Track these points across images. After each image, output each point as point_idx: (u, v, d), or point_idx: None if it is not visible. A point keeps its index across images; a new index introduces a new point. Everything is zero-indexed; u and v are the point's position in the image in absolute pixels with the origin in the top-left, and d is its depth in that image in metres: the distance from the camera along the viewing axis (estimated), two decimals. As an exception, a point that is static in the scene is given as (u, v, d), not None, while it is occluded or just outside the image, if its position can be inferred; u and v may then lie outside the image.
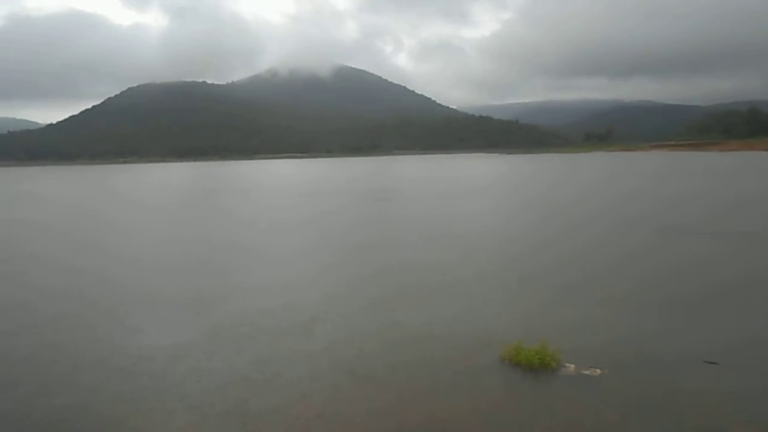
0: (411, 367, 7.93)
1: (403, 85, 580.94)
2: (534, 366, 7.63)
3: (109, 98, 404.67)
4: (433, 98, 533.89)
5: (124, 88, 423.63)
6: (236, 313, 10.66)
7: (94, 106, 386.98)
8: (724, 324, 9.47)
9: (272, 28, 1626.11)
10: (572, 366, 7.62)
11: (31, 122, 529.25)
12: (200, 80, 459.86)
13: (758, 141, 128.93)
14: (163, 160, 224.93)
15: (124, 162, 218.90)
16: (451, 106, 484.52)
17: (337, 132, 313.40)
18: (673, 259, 14.85)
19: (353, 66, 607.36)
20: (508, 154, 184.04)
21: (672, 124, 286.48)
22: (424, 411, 6.60)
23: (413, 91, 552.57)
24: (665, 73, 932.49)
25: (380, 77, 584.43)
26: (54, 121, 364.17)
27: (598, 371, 7.44)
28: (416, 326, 9.67)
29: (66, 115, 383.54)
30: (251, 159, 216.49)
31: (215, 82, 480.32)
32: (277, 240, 20.49)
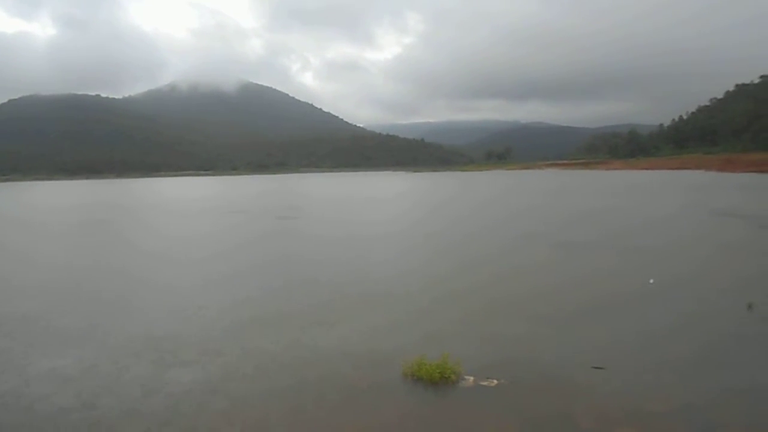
0: (313, 385, 7.76)
1: (310, 102, 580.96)
2: (435, 380, 7.69)
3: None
4: (340, 116, 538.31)
5: (5, 100, 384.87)
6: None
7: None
8: (610, 331, 10.09)
9: (173, 42, 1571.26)
10: (471, 378, 7.76)
11: None
12: (93, 93, 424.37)
13: (637, 161, 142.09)
14: (50, 178, 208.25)
15: (6, 180, 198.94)
16: (358, 125, 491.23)
17: (243, 149, 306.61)
18: (563, 271, 15.72)
19: (259, 83, 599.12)
20: (415, 171, 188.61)
21: (564, 144, 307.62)
22: (325, 430, 6.49)
23: (321, 109, 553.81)
24: (557, 98, 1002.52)
25: (287, 94, 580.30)
26: None
27: (495, 382, 7.64)
28: (318, 345, 9.50)
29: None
30: (151, 176, 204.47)
31: (110, 96, 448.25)
32: (166, 263, 19.46)
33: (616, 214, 32.41)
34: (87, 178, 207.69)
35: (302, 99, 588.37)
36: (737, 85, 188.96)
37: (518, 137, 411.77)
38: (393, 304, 12.34)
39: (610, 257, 17.65)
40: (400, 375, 7.97)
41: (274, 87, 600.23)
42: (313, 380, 7.95)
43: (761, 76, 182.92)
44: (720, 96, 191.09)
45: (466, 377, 7.79)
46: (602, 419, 6.54)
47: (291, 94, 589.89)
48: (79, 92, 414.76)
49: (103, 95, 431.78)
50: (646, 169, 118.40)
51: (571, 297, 12.64)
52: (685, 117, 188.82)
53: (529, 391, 7.40)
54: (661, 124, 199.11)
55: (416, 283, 14.42)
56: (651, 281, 13.61)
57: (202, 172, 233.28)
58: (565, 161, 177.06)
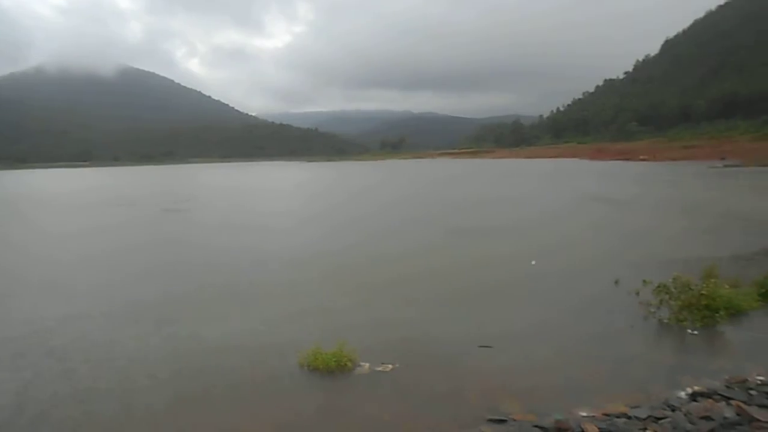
0: (209, 380, 7.53)
1: (198, 90, 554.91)
2: (331, 369, 7.74)
3: None
4: (231, 105, 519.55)
5: None
6: None
7: None
8: (496, 311, 10.70)
9: (39, 20, 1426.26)
10: (367, 365, 7.89)
11: None
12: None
13: (520, 149, 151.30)
14: None
15: None
16: (250, 113, 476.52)
17: (125, 138, 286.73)
18: (453, 255, 16.38)
19: (141, 68, 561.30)
20: (309, 161, 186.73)
21: (454, 133, 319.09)
22: (223, 424, 6.36)
23: (209, 97, 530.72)
24: (447, 89, 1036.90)
25: (172, 81, 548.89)
26: None
27: (390, 366, 7.83)
28: (212, 339, 9.20)
29: None
30: (15, 168, 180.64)
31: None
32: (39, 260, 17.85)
33: (501, 200, 34.27)
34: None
35: (189, 86, 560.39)
36: (605, 81, 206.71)
37: (411, 127, 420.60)
38: (286, 295, 12.21)
39: (496, 241, 18.66)
40: (296, 366, 7.93)
41: (158, 73, 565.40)
42: (205, 375, 7.69)
43: (625, 73, 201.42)
44: (591, 90, 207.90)
45: (362, 364, 7.90)
46: (490, 395, 6.93)
47: (177, 81, 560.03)
48: None
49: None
50: (529, 157, 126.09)
51: (460, 280, 13.23)
52: (561, 109, 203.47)
53: (422, 373, 7.67)
54: (541, 116, 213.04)
55: (310, 273, 14.36)
56: (533, 263, 14.57)
57: (78, 163, 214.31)
58: (455, 150, 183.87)
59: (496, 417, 6.27)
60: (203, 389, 7.33)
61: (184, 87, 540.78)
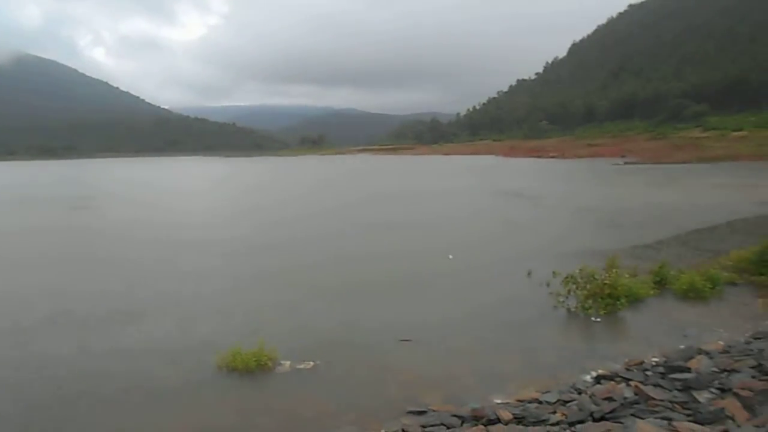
0: (125, 387, 7.20)
1: (105, 80, 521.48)
2: (251, 369, 7.60)
3: None
4: (141, 97, 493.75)
5: None
6: None
7: None
8: (415, 305, 10.93)
9: None
10: (288, 363, 7.83)
11: None
12: None
13: (439, 146, 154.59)
14: None
15: None
16: (163, 107, 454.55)
17: (21, 130, 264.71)
18: (370, 251, 16.51)
19: (39, 55, 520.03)
20: (227, 157, 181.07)
21: (374, 130, 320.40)
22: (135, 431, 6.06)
23: (118, 89, 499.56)
24: (367, 85, 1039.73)
25: (76, 70, 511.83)
26: None
27: (311, 363, 7.81)
28: (124, 343, 8.78)
29: None
30: None
31: None
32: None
33: (419, 195, 34.92)
34: None
35: (95, 76, 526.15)
36: (518, 81, 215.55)
37: (331, 123, 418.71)
38: (201, 296, 11.86)
39: (415, 235, 19.01)
40: (213, 368, 7.72)
41: (58, 61, 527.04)
42: (116, 380, 7.33)
43: (536, 74, 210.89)
44: (505, 89, 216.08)
45: (283, 362, 7.83)
46: (410, 387, 7.09)
47: (81, 71, 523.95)
48: None
49: None
50: (447, 154, 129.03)
51: (379, 275, 13.39)
52: (478, 108, 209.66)
53: (343, 368, 7.71)
54: (458, 114, 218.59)
55: (225, 273, 14.02)
56: (450, 257, 14.98)
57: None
58: (376, 147, 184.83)
59: (416, 409, 6.42)
60: (114, 394, 6.99)
61: (89, 77, 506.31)
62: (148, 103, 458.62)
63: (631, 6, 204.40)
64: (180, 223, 24.28)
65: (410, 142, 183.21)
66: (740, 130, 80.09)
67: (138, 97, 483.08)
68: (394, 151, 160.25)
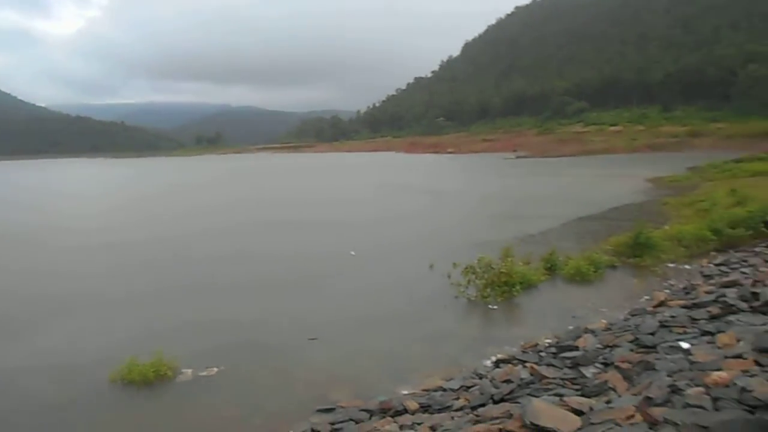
0: (7, 408, 6.60)
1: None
2: (150, 380, 7.23)
3: None
4: (13, 94, 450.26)
5: None
6: None
7: None
8: (321, 302, 10.89)
9: None
10: (190, 371, 7.54)
11: None
12: None
13: (340, 143, 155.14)
14: None
15: None
16: (39, 104, 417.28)
17: None
18: (269, 250, 16.21)
19: None
20: (115, 158, 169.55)
21: (274, 128, 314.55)
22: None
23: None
24: (265, 83, 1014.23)
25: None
26: None
27: (215, 370, 7.57)
28: (7, 362, 8.00)
29: None
30: None
31: None
32: None
33: (322, 192, 34.80)
34: None
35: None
36: (416, 78, 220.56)
37: (230, 121, 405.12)
38: (92, 305, 11.09)
39: (317, 233, 18.90)
40: (106, 382, 7.25)
41: None
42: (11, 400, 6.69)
43: (432, 72, 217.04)
44: (404, 87, 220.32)
45: (184, 371, 7.52)
46: (318, 386, 7.07)
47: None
48: None
49: None
50: (349, 151, 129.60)
51: (282, 274, 13.22)
52: (377, 105, 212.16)
53: (249, 371, 7.54)
54: (359, 111, 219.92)
55: (114, 280, 13.20)
56: (352, 253, 15.06)
57: None
58: (276, 145, 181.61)
59: (325, 407, 6.43)
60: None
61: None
62: (21, 101, 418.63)
63: (517, 8, 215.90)
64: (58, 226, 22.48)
65: (311, 140, 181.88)
66: (616, 125, 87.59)
67: (8, 94, 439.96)
68: (295, 149, 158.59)
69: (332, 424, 5.95)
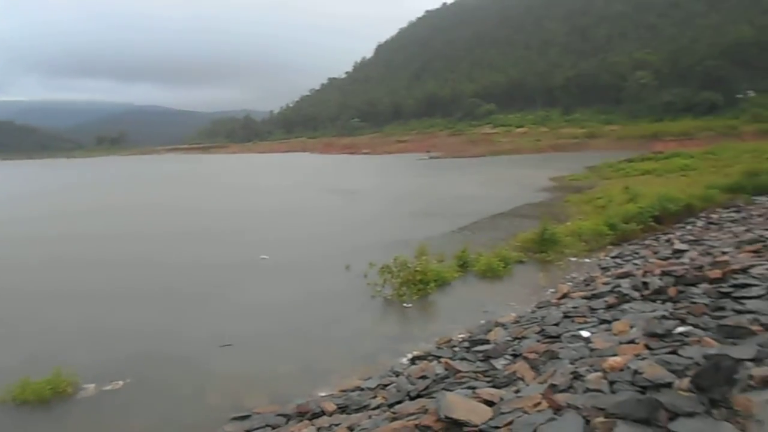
0: None
1: None
2: (46, 398, 6.73)
3: None
4: None
5: None
6: None
7: None
8: (233, 308, 10.59)
9: None
10: (92, 386, 7.09)
11: None
12: None
13: (253, 144, 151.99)
14: None
15: None
16: None
17: None
18: (175, 257, 15.57)
19: None
20: (4, 159, 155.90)
21: (182, 128, 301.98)
22: None
23: None
24: (171, 81, 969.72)
25: None
26: None
27: (121, 383, 7.16)
28: None
29: None
30: None
31: None
32: None
33: (233, 196, 33.87)
34: None
35: None
36: (329, 79, 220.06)
37: (134, 120, 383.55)
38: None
39: (226, 238, 18.35)
40: (-4, 404, 6.67)
41: None
42: None
43: (346, 72, 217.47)
44: (317, 88, 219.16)
45: (86, 386, 7.06)
46: (233, 393, 6.88)
47: None
48: None
49: None
50: (262, 152, 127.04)
51: (189, 280, 12.76)
52: (291, 105, 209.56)
53: (158, 383, 7.20)
54: (272, 111, 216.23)
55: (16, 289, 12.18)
56: (263, 257, 14.72)
57: None
58: (185, 146, 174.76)
59: (240, 414, 6.27)
60: None
61: None
62: None
63: (428, 12, 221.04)
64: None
65: (222, 140, 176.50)
66: (522, 126, 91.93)
67: None
68: (205, 150, 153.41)
69: (248, 431, 5.82)
